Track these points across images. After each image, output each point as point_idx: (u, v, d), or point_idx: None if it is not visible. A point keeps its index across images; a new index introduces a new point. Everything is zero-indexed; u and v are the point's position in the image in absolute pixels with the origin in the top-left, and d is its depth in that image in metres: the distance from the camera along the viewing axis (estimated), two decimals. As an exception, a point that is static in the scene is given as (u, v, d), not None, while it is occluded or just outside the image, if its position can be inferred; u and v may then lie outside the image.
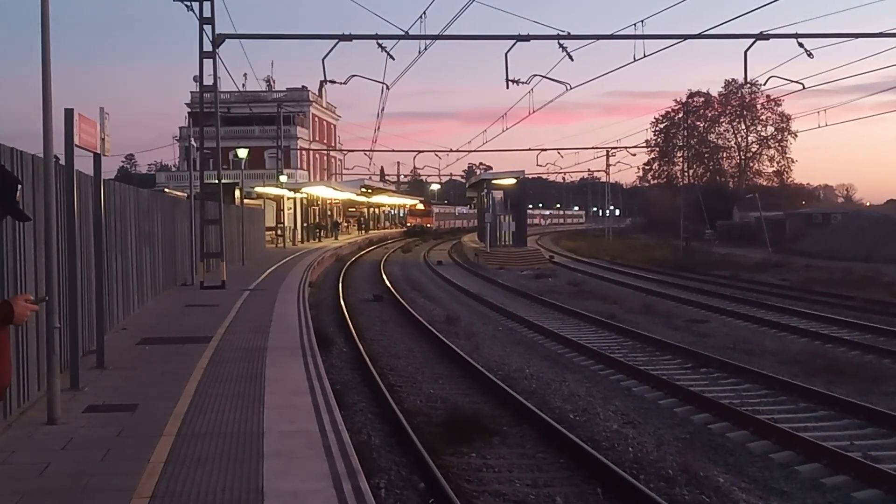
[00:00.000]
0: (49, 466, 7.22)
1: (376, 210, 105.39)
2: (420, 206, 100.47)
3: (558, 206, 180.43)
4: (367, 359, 16.24)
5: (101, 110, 11.47)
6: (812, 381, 14.96)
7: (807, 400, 13.83)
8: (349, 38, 25.07)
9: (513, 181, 53.78)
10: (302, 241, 59.07)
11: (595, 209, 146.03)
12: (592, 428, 11.98)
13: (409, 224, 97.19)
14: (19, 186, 4.85)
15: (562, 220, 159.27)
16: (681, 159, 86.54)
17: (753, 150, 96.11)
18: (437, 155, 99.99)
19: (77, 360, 10.53)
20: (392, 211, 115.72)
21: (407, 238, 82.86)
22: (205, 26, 25.22)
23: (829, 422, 12.66)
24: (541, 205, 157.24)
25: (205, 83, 26.71)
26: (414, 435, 10.80)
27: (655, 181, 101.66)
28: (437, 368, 16.51)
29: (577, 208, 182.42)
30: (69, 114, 10.29)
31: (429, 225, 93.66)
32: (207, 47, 25.52)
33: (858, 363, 17.21)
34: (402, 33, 25.12)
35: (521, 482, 9.67)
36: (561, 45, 25.29)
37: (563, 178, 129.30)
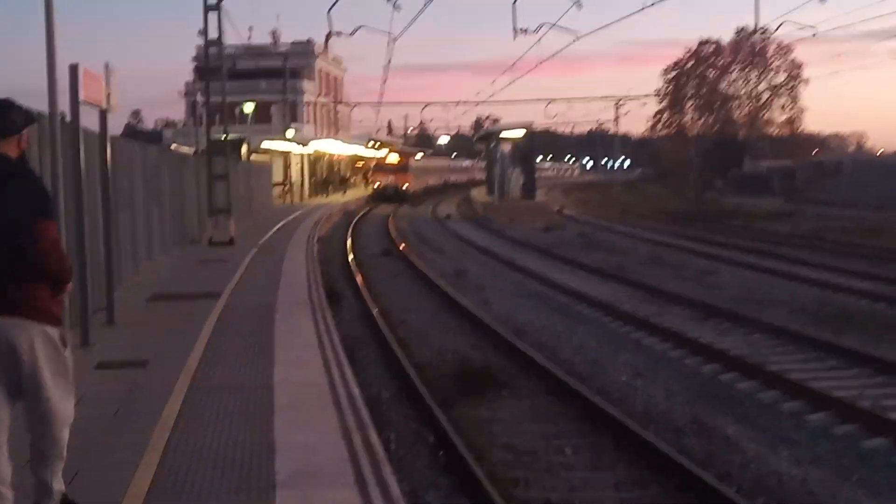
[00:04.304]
0: (62, 422, 7.29)
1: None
2: (392, 158, 70.56)
3: (568, 155, 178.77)
4: (375, 313, 16.28)
5: (106, 66, 11.45)
6: (821, 331, 14.94)
7: (816, 350, 13.81)
8: (354, -11, 24.89)
9: (521, 133, 53.62)
10: (310, 197, 59.08)
11: (605, 160, 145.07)
12: (602, 380, 12.02)
13: (375, 185, 67.97)
14: None
15: (553, 173, 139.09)
16: (690, 109, 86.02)
17: (764, 98, 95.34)
18: (444, 108, 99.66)
19: (87, 317, 10.60)
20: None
21: (373, 205, 59.03)
22: (209, -21, 25.04)
23: (838, 371, 12.65)
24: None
25: (210, 37, 26.52)
26: (424, 388, 10.86)
27: (665, 132, 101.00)
28: (446, 322, 16.55)
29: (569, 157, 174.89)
30: (74, 69, 10.27)
31: (405, 185, 66.58)
32: (212, 0, 25.34)
33: (868, 312, 17.20)
34: (408, -16, 24.94)
35: (531, 434, 9.72)
36: (569, -5, 25.05)
37: (572, 130, 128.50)
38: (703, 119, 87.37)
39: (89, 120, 11.77)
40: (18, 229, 4.56)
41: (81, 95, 10.40)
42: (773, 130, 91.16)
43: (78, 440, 6.82)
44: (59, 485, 4.92)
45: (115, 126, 11.35)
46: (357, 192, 70.91)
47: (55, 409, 4.86)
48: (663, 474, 8.35)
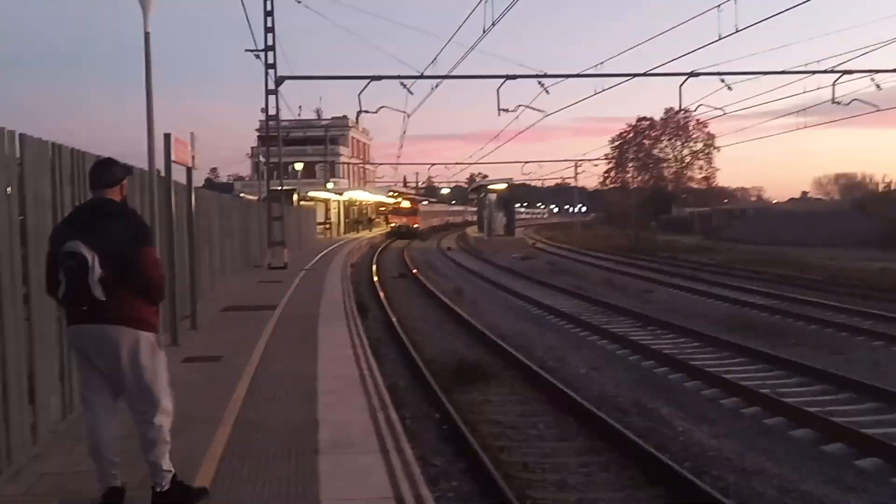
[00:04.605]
0: (156, 403, 7.23)
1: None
2: (405, 204, 70.79)
3: (539, 204, 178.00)
4: (395, 322, 16.27)
5: (191, 134, 11.49)
6: (732, 336, 14.93)
7: (728, 350, 13.83)
8: (379, 78, 24.97)
9: (504, 186, 53.77)
10: (344, 233, 59.08)
11: (567, 207, 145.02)
12: (567, 372, 11.99)
13: (392, 225, 65.44)
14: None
15: (528, 216, 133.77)
16: (631, 168, 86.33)
17: (686, 161, 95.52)
18: (446, 167, 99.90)
19: (176, 323, 10.56)
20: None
21: (391, 240, 55.81)
22: (269, 70, 25.19)
23: (746, 367, 12.65)
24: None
25: (270, 114, 26.64)
26: (431, 379, 10.84)
27: (613, 185, 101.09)
28: (448, 328, 16.53)
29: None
30: (167, 137, 10.32)
31: (415, 226, 65.12)
32: (271, 86, 25.49)
33: (768, 322, 17.18)
34: (419, 74, 25.07)
35: (512, 413, 9.70)
36: (539, 83, 25.20)
37: (542, 184, 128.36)
38: (640, 176, 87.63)
39: (178, 174, 11.79)
40: (133, 256, 4.47)
41: (173, 157, 10.44)
42: (694, 185, 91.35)
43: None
44: (167, 466, 4.66)
45: (198, 179, 11.35)
46: (380, 230, 70.85)
47: (156, 400, 4.65)
48: (614, 444, 8.31)
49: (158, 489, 4.63)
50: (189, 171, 11.79)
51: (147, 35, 9.82)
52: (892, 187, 52.19)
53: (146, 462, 4.69)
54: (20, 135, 5.79)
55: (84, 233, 4.43)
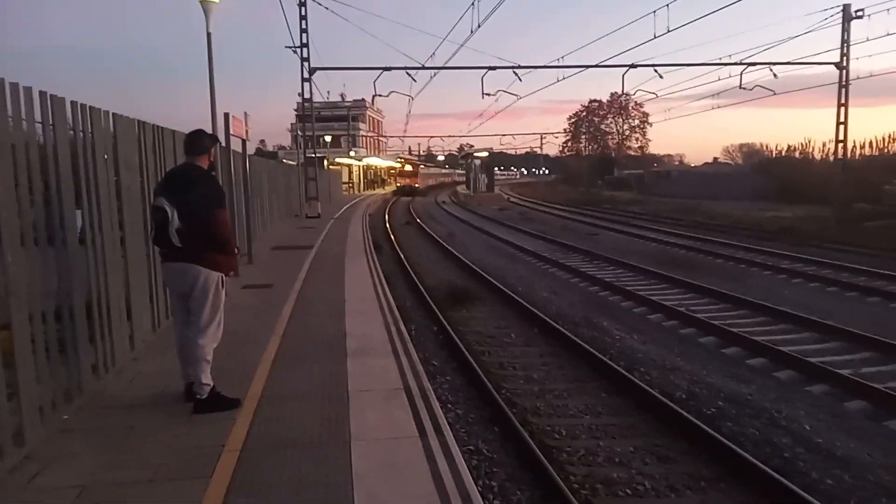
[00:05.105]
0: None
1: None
2: (409, 168, 66.27)
3: (513, 167, 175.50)
4: (403, 258, 16.27)
5: (245, 114, 11.33)
6: (659, 268, 15.00)
7: (656, 279, 13.90)
8: (389, 69, 24.50)
9: (486, 154, 53.28)
10: (363, 190, 58.62)
11: (534, 170, 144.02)
12: (532, 296, 12.06)
13: (398, 184, 62.43)
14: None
15: (504, 177, 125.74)
16: (584, 140, 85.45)
17: (626, 134, 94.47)
18: (442, 139, 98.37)
19: (237, 259, 10.53)
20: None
21: (398, 197, 52.81)
22: (304, 62, 24.64)
23: (667, 291, 12.73)
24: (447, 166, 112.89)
25: (305, 97, 26.17)
26: (431, 300, 10.91)
27: (569, 153, 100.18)
28: (443, 263, 16.54)
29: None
30: (226, 116, 10.17)
31: (416, 185, 61.69)
32: (306, 75, 24.97)
33: (685, 257, 17.23)
34: (420, 66, 24.59)
35: (491, 325, 9.79)
36: (514, 72, 24.75)
37: (515, 152, 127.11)
38: (591, 146, 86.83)
39: (235, 145, 11.65)
40: (205, 214, 4.36)
41: (231, 131, 10.29)
42: (632, 152, 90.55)
43: (233, 330, 6.85)
44: (206, 380, 4.47)
45: (250, 148, 11.16)
46: (391, 188, 70.27)
47: (204, 326, 4.49)
48: (567, 348, 8.43)
49: (199, 396, 4.48)
50: (244, 142, 11.65)
51: (209, 35, 9.57)
52: (783, 153, 51.83)
53: (192, 374, 4.50)
54: (113, 114, 5.70)
55: (170, 192, 4.39)
